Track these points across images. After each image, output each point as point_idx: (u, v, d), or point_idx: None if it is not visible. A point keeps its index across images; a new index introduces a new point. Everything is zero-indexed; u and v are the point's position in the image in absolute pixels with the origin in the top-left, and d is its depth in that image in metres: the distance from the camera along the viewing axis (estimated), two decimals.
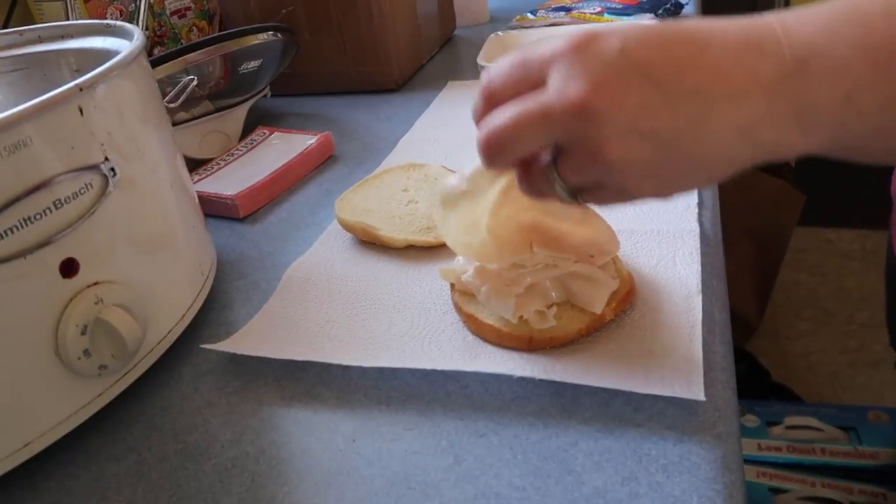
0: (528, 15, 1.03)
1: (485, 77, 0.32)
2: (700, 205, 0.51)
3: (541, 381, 0.38)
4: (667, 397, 0.36)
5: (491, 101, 0.32)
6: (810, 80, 0.27)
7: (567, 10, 1.01)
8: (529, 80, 0.30)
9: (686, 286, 0.42)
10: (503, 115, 0.30)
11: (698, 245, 0.46)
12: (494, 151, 0.31)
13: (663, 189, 0.31)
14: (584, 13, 0.98)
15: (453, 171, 0.59)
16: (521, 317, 0.39)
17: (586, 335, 0.40)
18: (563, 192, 0.31)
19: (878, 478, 1.07)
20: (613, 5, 0.98)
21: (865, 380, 1.48)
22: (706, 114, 0.28)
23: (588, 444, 0.34)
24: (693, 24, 0.29)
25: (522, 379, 0.38)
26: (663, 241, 0.47)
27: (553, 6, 1.04)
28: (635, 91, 0.28)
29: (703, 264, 0.45)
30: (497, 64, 0.32)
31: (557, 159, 0.31)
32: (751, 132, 0.28)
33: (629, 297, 0.41)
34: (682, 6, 0.96)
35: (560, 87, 0.29)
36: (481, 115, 0.32)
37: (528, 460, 0.34)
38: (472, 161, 0.37)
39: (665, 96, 0.28)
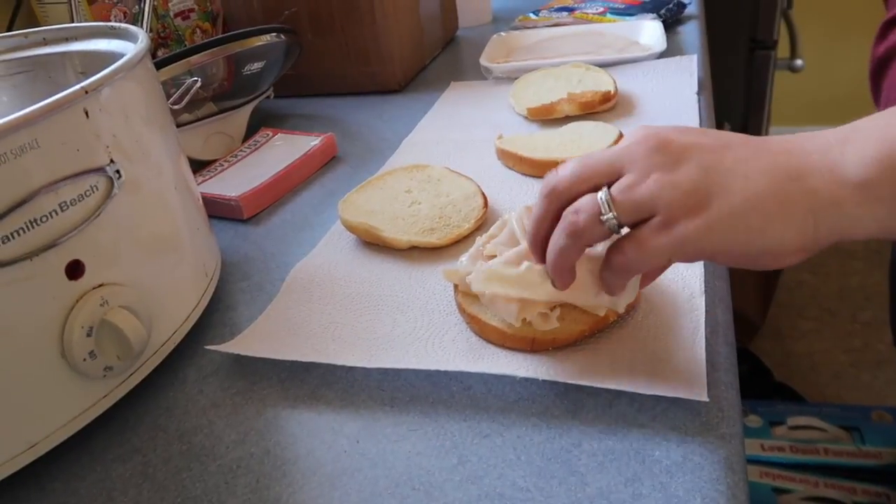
0: (531, 15, 1.03)
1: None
2: None
3: (544, 382, 0.38)
4: (670, 398, 0.36)
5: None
6: (855, 141, 0.30)
7: (570, 10, 1.01)
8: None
9: (689, 287, 0.43)
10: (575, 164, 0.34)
11: None
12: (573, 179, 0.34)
13: (709, 231, 0.30)
14: (587, 13, 0.98)
15: (456, 172, 0.59)
16: (523, 319, 0.40)
17: (589, 336, 0.40)
18: (613, 220, 0.32)
19: (881, 478, 1.07)
20: (616, 5, 0.98)
21: (869, 379, 1.48)
22: (757, 155, 0.30)
23: (591, 445, 0.34)
24: None
25: (526, 380, 0.39)
26: None
27: (556, 6, 1.04)
28: (698, 135, 0.32)
29: (705, 265, 0.45)
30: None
31: (611, 186, 0.33)
32: (802, 178, 0.29)
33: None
34: (684, 6, 0.96)
35: (632, 139, 0.33)
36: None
37: (532, 461, 0.34)
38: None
39: (721, 144, 0.31)
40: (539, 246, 0.37)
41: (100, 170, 0.37)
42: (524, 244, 0.40)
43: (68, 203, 0.36)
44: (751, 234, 0.29)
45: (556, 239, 0.35)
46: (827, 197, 0.29)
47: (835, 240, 0.30)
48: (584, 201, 0.33)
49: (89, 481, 0.38)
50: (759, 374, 1.43)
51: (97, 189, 0.37)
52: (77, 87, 0.36)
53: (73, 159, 0.36)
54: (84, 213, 0.37)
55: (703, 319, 0.40)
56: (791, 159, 0.30)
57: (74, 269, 0.37)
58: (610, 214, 0.32)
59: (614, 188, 0.32)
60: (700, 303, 0.41)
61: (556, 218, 0.35)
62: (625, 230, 0.33)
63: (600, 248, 0.38)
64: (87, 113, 0.37)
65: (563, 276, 0.36)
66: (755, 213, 0.29)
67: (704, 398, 0.34)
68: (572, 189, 0.34)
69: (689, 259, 0.33)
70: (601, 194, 0.32)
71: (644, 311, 0.41)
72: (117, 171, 0.38)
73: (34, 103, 0.34)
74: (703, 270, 0.44)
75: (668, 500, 0.31)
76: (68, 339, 0.36)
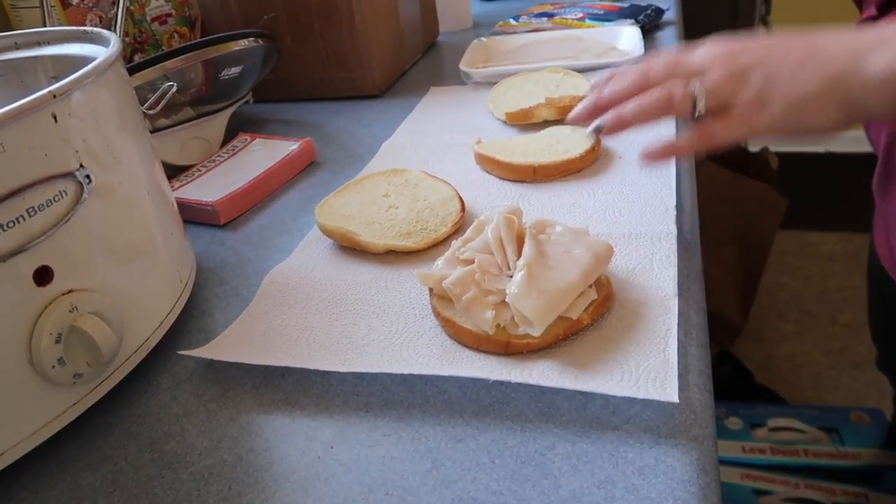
0: (511, 21, 1.04)
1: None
2: (679, 208, 0.52)
3: (518, 385, 0.38)
4: (643, 400, 0.36)
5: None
6: (882, 49, 0.38)
7: (549, 15, 1.01)
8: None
9: (663, 289, 0.43)
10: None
11: (675, 248, 0.47)
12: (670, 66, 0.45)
13: (772, 121, 0.41)
14: (566, 19, 0.99)
15: (434, 177, 0.59)
16: (498, 323, 0.40)
17: (563, 339, 0.40)
18: (703, 105, 0.43)
19: (860, 478, 1.08)
20: (595, 11, 0.99)
21: (848, 381, 1.50)
22: (812, 59, 0.40)
23: (565, 448, 0.35)
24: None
25: (500, 383, 0.39)
26: (641, 244, 0.48)
27: (535, 12, 1.04)
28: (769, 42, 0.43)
29: (680, 267, 0.45)
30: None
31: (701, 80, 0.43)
32: (860, 51, 0.39)
33: (606, 301, 0.42)
34: (662, 12, 0.97)
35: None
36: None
37: (506, 464, 0.34)
38: None
39: (784, 49, 0.42)
40: (601, 109, 0.48)
41: (69, 175, 0.37)
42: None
43: (36, 208, 0.35)
44: (801, 122, 0.41)
45: (645, 99, 0.45)
46: (858, 96, 0.39)
47: (863, 121, 0.43)
48: (676, 84, 0.44)
49: (59, 490, 0.37)
50: (740, 376, 1.44)
51: (66, 194, 0.37)
52: (44, 91, 0.35)
53: (41, 164, 0.35)
54: (53, 218, 0.36)
55: (677, 321, 0.40)
56: (835, 66, 0.39)
57: (43, 275, 0.36)
58: (702, 103, 0.43)
59: (705, 79, 0.43)
60: (674, 305, 0.41)
61: (633, 94, 0.46)
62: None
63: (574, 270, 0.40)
64: (55, 117, 0.36)
65: (620, 127, 0.48)
66: (806, 109, 0.40)
67: (675, 399, 0.34)
68: (664, 74, 0.45)
69: (759, 134, 0.43)
70: (695, 83, 0.43)
71: (618, 313, 0.42)
72: (87, 177, 0.38)
73: (2, 108, 0.33)
74: (676, 272, 0.44)
75: (640, 502, 0.31)
76: (36, 346, 0.36)
